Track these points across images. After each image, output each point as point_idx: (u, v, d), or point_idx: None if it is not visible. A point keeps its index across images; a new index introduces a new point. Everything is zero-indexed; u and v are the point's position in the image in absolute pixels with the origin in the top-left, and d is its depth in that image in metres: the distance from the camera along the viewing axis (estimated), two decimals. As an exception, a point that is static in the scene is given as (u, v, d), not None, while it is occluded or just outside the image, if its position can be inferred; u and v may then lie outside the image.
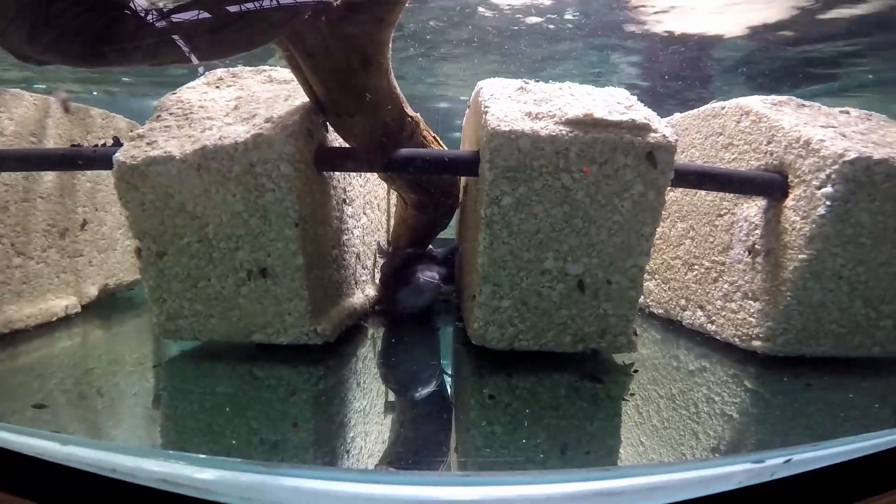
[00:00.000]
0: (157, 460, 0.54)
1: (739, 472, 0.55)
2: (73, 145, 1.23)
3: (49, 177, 1.20)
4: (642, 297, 1.38)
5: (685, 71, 2.48)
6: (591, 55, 2.46)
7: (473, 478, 0.59)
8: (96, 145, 1.22)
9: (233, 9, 0.68)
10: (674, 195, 1.28)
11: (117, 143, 1.09)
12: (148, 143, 0.87)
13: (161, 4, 0.68)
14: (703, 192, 1.17)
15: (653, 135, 0.82)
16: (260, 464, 0.55)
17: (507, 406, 0.77)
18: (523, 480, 0.55)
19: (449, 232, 1.42)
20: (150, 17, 0.68)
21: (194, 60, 0.71)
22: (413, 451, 0.67)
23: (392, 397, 0.86)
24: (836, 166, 0.86)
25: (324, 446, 0.66)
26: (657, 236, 1.33)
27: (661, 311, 1.32)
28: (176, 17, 0.68)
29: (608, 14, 2.02)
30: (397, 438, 0.70)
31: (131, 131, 0.92)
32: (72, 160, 1.02)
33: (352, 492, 0.52)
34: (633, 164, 0.82)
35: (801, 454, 0.57)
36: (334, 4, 0.73)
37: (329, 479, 0.53)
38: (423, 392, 0.88)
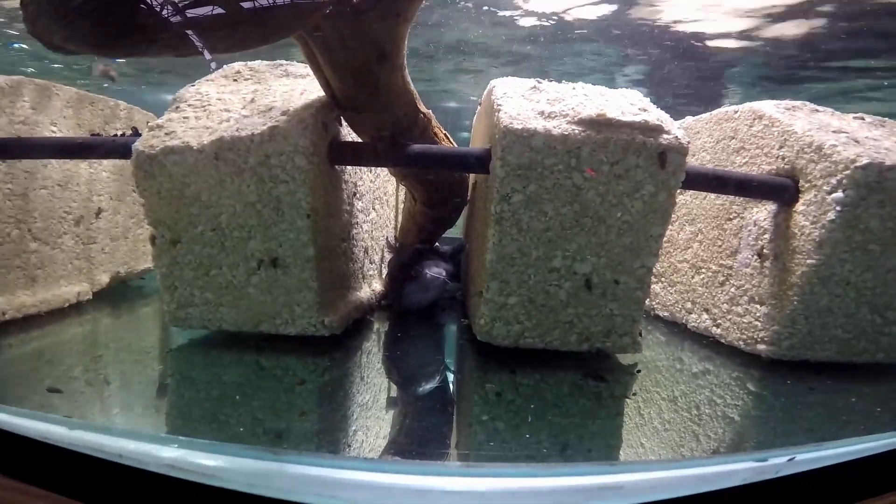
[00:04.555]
0: (164, 446, 0.54)
1: (743, 470, 0.55)
2: (92, 135, 1.25)
3: (67, 165, 1.22)
4: (648, 299, 1.39)
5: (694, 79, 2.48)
6: (601, 59, 2.46)
7: (479, 469, 0.60)
8: (115, 135, 1.24)
9: (253, 3, 0.69)
10: (683, 198, 1.28)
11: (136, 134, 1.11)
12: (166, 134, 0.88)
13: None
14: (713, 196, 1.17)
15: (665, 136, 0.82)
16: (266, 450, 0.56)
17: (510, 402, 0.77)
18: (529, 473, 0.56)
19: (455, 231, 1.43)
20: (170, 7, 0.69)
21: (211, 53, 0.72)
22: (415, 445, 0.67)
23: (396, 391, 0.87)
24: (847, 171, 0.86)
25: (328, 436, 0.67)
26: (665, 239, 1.33)
27: (666, 313, 1.32)
28: (195, 10, 0.69)
29: (620, 19, 2.02)
30: (400, 432, 0.71)
31: (148, 122, 0.93)
32: (91, 149, 1.04)
33: (357, 480, 0.52)
34: (645, 164, 0.83)
35: (804, 454, 0.58)
36: (352, 0, 0.74)
37: (334, 467, 0.53)
38: (427, 387, 0.88)
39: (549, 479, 0.54)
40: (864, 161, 0.84)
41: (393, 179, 1.48)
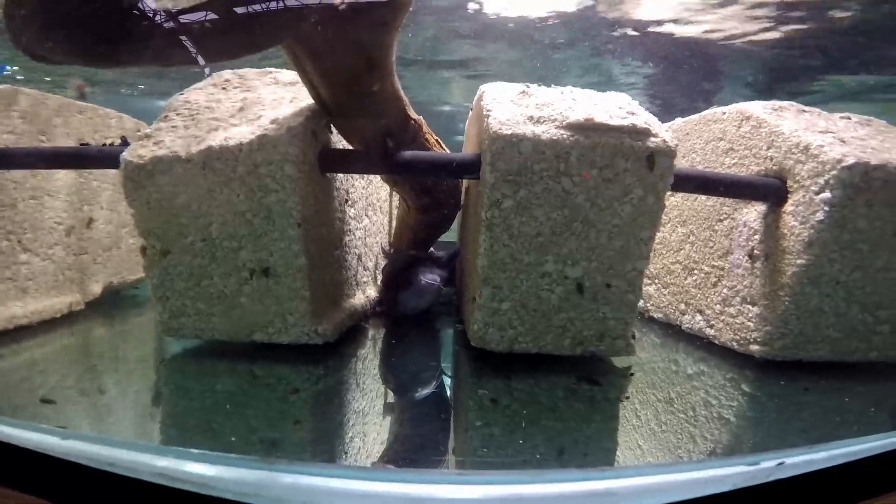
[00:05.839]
0: (155, 455, 0.54)
1: (734, 474, 0.55)
2: (81, 144, 1.25)
3: (57, 175, 1.22)
4: (642, 301, 1.39)
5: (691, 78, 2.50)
6: (593, 62, 2.47)
7: (471, 476, 0.59)
8: (104, 144, 1.24)
9: (240, 11, 0.69)
10: (674, 200, 1.29)
11: (125, 143, 1.11)
12: (155, 143, 0.88)
13: (171, 5, 0.69)
14: (704, 197, 1.17)
15: (653, 139, 0.83)
16: (257, 460, 0.56)
17: (505, 408, 0.77)
18: (520, 480, 0.56)
19: (450, 236, 1.43)
20: (158, 17, 0.69)
21: (201, 62, 0.72)
22: (411, 452, 0.67)
23: (392, 398, 0.87)
24: (834, 172, 0.86)
25: (323, 445, 0.66)
26: (657, 241, 1.34)
27: (660, 315, 1.33)
28: (184, 19, 0.69)
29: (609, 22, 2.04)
30: (395, 439, 0.70)
31: (138, 131, 0.93)
32: (80, 158, 1.03)
33: (349, 488, 0.52)
34: (634, 168, 0.83)
35: (793, 457, 0.58)
36: (339, 8, 0.74)
37: (326, 475, 0.53)
38: (423, 393, 0.88)
39: (542, 486, 0.54)
40: (851, 161, 0.85)
41: (386, 185, 1.48)
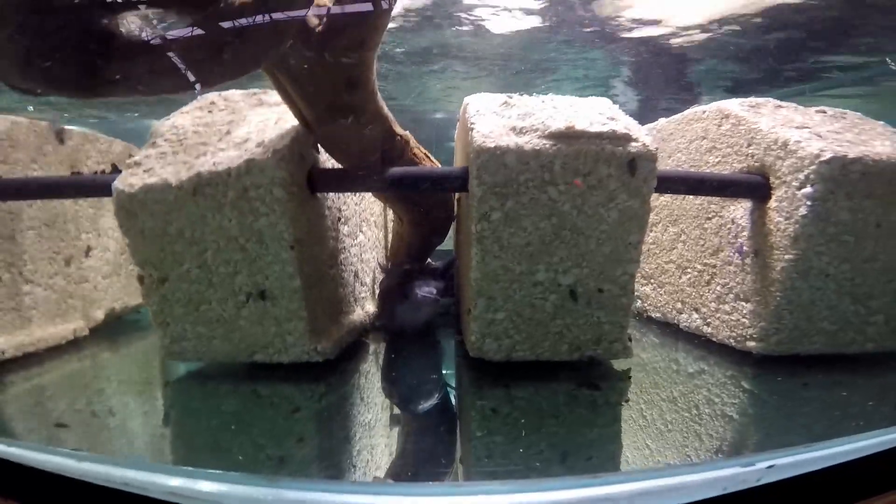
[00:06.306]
0: (167, 475, 0.56)
1: (736, 474, 0.56)
2: (73, 173, 1.26)
3: (52, 204, 1.23)
4: (640, 301, 1.40)
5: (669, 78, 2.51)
6: (579, 66, 2.49)
7: (471, 487, 0.60)
8: (96, 172, 1.25)
9: (216, 36, 0.70)
10: (664, 200, 1.30)
11: (116, 171, 1.12)
12: (145, 171, 0.89)
13: (155, 22, 0.70)
14: (692, 196, 1.18)
15: (633, 144, 0.84)
16: (264, 477, 0.57)
17: (506, 416, 0.77)
18: (516, 489, 0.56)
19: (449, 244, 1.44)
20: (143, 43, 0.69)
21: (189, 84, 0.73)
22: (415, 464, 0.68)
23: (394, 411, 0.87)
24: (813, 167, 0.87)
25: (327, 461, 0.67)
26: (651, 241, 1.35)
27: (658, 315, 1.33)
28: (169, 36, 0.69)
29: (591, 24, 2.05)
30: (399, 451, 0.71)
31: (130, 156, 0.94)
32: (73, 188, 1.04)
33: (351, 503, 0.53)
34: (617, 173, 0.84)
35: (793, 456, 0.58)
36: (316, 30, 0.76)
37: (331, 491, 0.54)
38: (424, 405, 0.89)
39: (540, 494, 0.55)
40: (828, 155, 0.86)
41: (379, 200, 1.49)
